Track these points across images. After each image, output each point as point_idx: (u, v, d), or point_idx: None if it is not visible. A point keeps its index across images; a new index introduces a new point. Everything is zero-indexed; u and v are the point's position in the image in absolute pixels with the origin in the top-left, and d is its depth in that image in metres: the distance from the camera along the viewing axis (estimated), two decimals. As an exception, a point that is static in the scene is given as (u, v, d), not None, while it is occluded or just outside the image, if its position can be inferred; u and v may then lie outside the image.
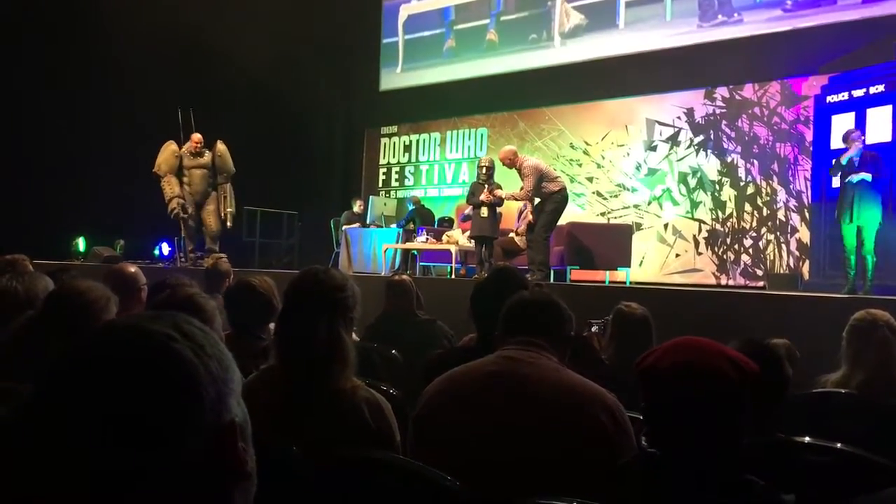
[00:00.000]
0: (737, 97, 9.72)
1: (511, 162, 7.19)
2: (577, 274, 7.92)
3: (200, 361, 0.68)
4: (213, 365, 0.69)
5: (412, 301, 4.12)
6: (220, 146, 8.83)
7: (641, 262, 9.87)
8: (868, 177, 6.21)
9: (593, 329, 3.51)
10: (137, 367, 0.66)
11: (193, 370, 0.67)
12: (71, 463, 0.63)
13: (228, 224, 8.87)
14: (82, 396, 0.65)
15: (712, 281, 9.55)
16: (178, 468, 0.65)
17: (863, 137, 6.52)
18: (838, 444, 1.85)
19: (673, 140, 10.18)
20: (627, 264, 8.19)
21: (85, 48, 9.72)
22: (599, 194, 10.78)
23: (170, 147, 8.78)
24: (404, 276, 4.41)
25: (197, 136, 8.77)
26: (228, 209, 8.80)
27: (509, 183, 7.83)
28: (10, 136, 9.59)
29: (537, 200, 7.19)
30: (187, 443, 0.66)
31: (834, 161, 6.68)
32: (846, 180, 6.31)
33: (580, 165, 11.00)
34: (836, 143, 7.57)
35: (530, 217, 7.29)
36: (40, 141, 9.82)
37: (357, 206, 10.52)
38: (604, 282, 8.07)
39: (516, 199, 7.46)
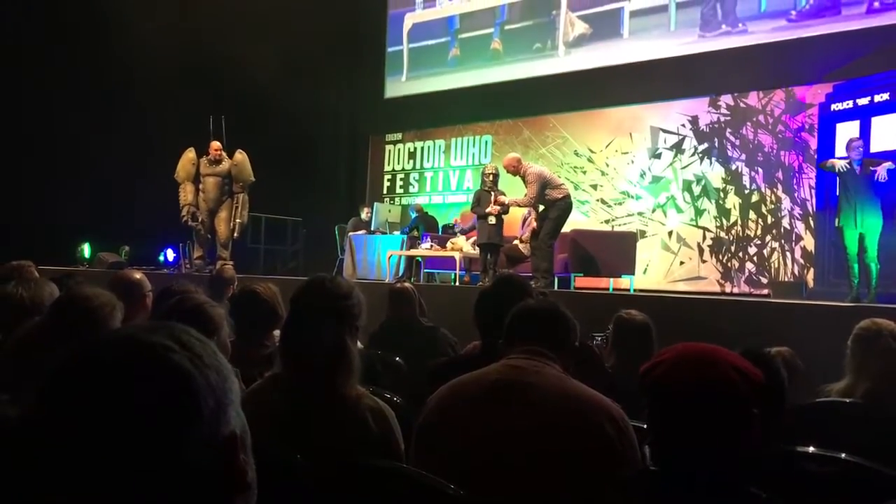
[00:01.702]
0: (741, 105, 9.72)
1: (515, 169, 7.20)
2: (581, 281, 7.91)
3: (199, 372, 0.68)
4: (211, 375, 0.69)
5: (415, 308, 4.13)
6: (238, 155, 8.89)
7: (646, 269, 9.86)
8: (891, 164, 6.17)
9: (595, 342, 3.50)
10: (136, 379, 0.66)
11: (192, 381, 0.67)
12: (71, 474, 0.63)
13: (235, 234, 8.91)
14: (81, 409, 0.65)
15: (717, 289, 9.53)
16: (179, 479, 0.65)
17: (862, 148, 6.49)
18: (843, 455, 1.85)
19: (677, 148, 10.18)
20: (632, 272, 8.18)
21: (91, 53, 9.76)
22: (604, 202, 10.78)
23: (187, 154, 8.86)
24: (406, 284, 4.41)
25: (215, 144, 8.84)
26: (237, 219, 8.84)
27: (513, 191, 7.83)
28: (16, 141, 9.63)
29: (541, 208, 7.20)
30: (187, 454, 0.66)
31: (830, 161, 6.67)
32: (871, 175, 6.27)
33: (584, 173, 11.01)
34: (840, 151, 7.57)
35: (534, 224, 7.29)
36: (46, 146, 9.86)
37: (364, 214, 10.53)
38: (608, 289, 8.06)
39: (519, 206, 7.47)
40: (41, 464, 0.64)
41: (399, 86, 13.12)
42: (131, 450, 0.64)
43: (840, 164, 6.39)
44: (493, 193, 7.39)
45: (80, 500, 0.63)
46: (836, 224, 6.49)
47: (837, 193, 6.72)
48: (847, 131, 7.52)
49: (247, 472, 0.71)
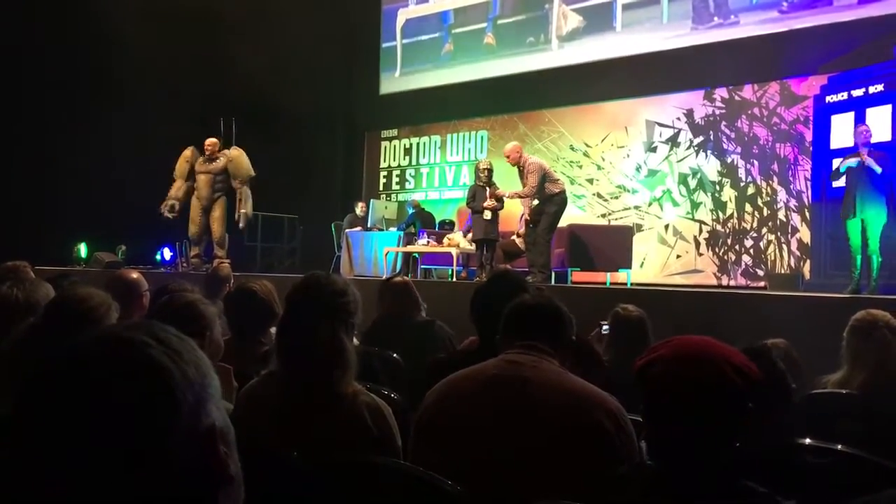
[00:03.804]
0: (736, 98, 9.72)
1: (516, 158, 7.19)
2: (578, 276, 7.91)
3: (176, 366, 0.69)
4: (190, 370, 0.70)
5: (407, 303, 4.07)
6: (233, 151, 8.87)
7: (642, 263, 9.87)
8: (878, 168, 6.16)
9: (603, 331, 3.45)
10: (113, 374, 0.67)
11: (169, 375, 0.68)
12: (50, 470, 0.64)
13: (241, 225, 8.85)
14: (57, 404, 0.65)
15: (713, 281, 9.54)
16: (160, 473, 0.66)
17: (866, 135, 6.44)
18: (839, 446, 1.86)
19: (673, 141, 10.18)
20: (628, 266, 8.19)
21: (87, 53, 9.73)
22: (600, 196, 10.79)
23: (185, 153, 8.88)
24: (397, 279, 4.38)
25: (209, 141, 8.81)
26: (242, 210, 8.77)
27: (508, 184, 7.83)
28: (13, 141, 9.61)
29: (536, 202, 7.20)
30: (167, 447, 0.67)
31: (834, 167, 6.67)
32: (853, 167, 6.25)
33: (580, 167, 11.01)
34: (835, 143, 7.58)
35: (527, 217, 7.29)
36: (43, 146, 9.83)
37: (359, 209, 10.53)
38: (605, 283, 8.07)
39: (520, 197, 7.44)
40: (21, 461, 0.64)
41: (393, 81, 13.10)
42: (110, 444, 0.64)
43: (848, 162, 6.35)
44: (487, 188, 7.39)
45: (62, 496, 0.64)
46: (840, 214, 6.45)
47: (836, 186, 6.72)
48: (842, 123, 7.53)
49: (228, 464, 0.71)
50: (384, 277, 7.62)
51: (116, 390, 0.66)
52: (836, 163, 6.73)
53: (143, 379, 0.67)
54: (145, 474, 0.65)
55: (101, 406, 0.65)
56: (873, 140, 6.52)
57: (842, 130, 7.50)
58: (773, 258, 9.29)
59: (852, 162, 6.27)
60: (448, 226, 10.21)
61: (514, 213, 8.37)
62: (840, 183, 6.59)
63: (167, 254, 10.71)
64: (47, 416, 0.65)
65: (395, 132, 13.25)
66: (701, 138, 9.95)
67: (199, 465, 0.69)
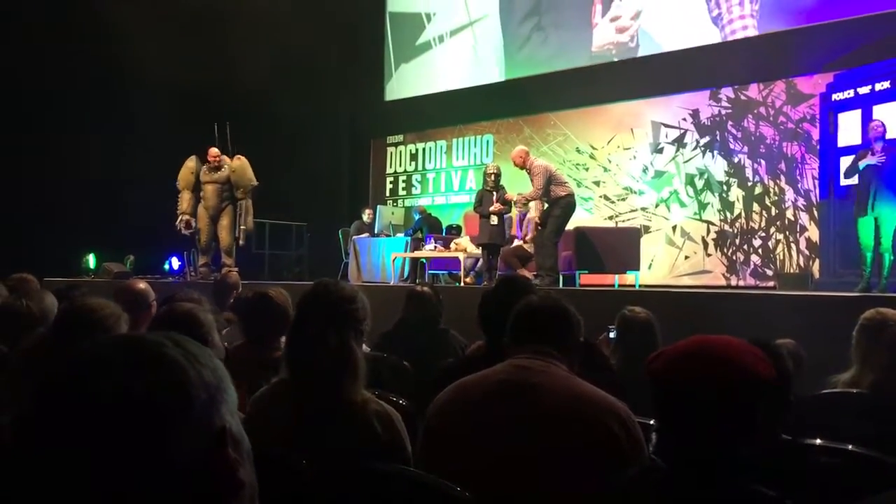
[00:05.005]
0: (742, 97, 9.70)
1: (522, 161, 7.22)
2: (586, 278, 7.90)
3: (191, 365, 0.70)
4: (205, 372, 0.70)
5: (430, 311, 4.08)
6: (236, 161, 8.77)
7: (651, 264, 9.85)
8: (883, 158, 6.11)
9: (610, 335, 3.44)
10: (126, 368, 0.67)
11: (182, 370, 0.69)
12: (64, 466, 0.64)
13: (241, 242, 8.82)
14: (72, 398, 0.66)
15: (722, 282, 9.51)
16: (169, 472, 0.66)
17: (881, 129, 6.38)
18: (849, 446, 1.85)
19: (679, 142, 10.16)
20: (637, 267, 8.17)
21: (94, 62, 9.79)
22: (607, 198, 10.77)
23: (188, 163, 8.83)
24: (426, 288, 4.38)
25: (213, 151, 8.77)
26: (242, 227, 8.71)
27: (516, 187, 7.83)
28: (21, 152, 9.66)
29: (545, 205, 7.21)
30: (178, 444, 0.67)
31: (851, 160, 6.63)
32: (863, 168, 6.22)
33: (587, 169, 11.00)
34: (843, 140, 7.55)
35: (537, 220, 7.29)
36: (50, 157, 9.88)
37: (366, 216, 10.55)
38: (613, 285, 8.06)
39: (527, 199, 7.44)
40: (35, 460, 0.65)
41: (398, 87, 13.13)
42: (122, 438, 0.64)
43: (866, 160, 6.31)
44: (494, 193, 7.40)
45: (75, 492, 0.64)
46: (853, 212, 6.39)
47: (844, 184, 6.69)
48: (849, 120, 7.50)
49: (237, 468, 0.71)
50: (393, 284, 7.67)
51: (128, 382, 0.66)
52: (844, 163, 6.68)
53: (156, 373, 0.68)
54: (155, 472, 0.65)
55: (113, 398, 0.65)
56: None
57: (849, 128, 7.48)
58: (781, 258, 9.26)
59: (872, 161, 6.20)
60: (455, 230, 10.21)
61: (513, 220, 8.38)
62: (852, 180, 6.53)
63: (175, 263, 10.75)
64: (58, 409, 0.66)
65: (400, 138, 13.27)
66: (707, 138, 9.93)
67: (207, 468, 0.69)
